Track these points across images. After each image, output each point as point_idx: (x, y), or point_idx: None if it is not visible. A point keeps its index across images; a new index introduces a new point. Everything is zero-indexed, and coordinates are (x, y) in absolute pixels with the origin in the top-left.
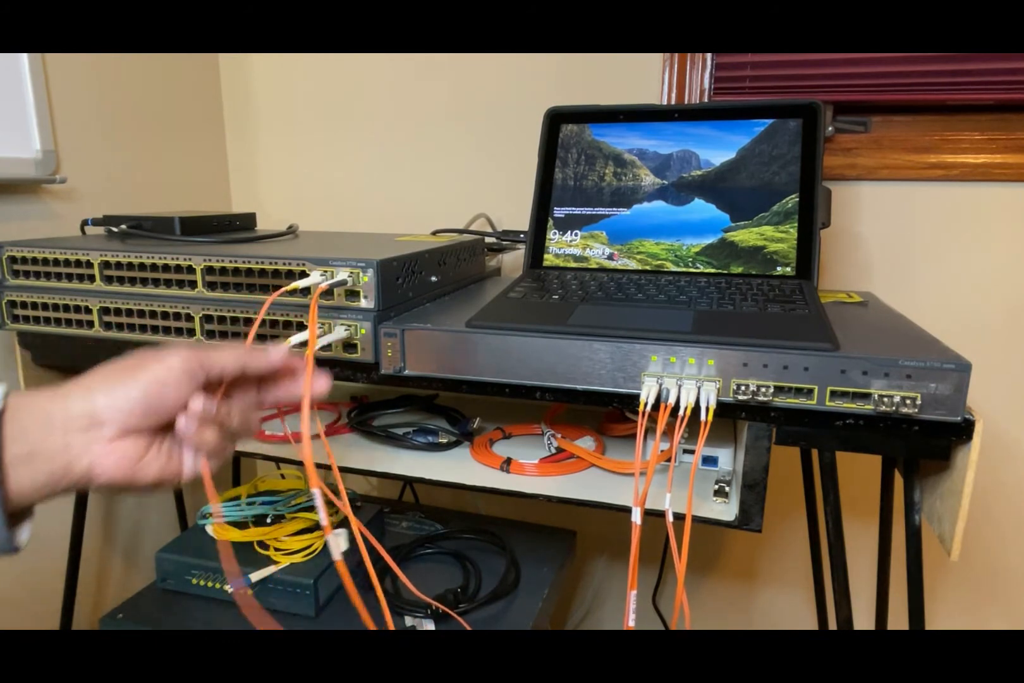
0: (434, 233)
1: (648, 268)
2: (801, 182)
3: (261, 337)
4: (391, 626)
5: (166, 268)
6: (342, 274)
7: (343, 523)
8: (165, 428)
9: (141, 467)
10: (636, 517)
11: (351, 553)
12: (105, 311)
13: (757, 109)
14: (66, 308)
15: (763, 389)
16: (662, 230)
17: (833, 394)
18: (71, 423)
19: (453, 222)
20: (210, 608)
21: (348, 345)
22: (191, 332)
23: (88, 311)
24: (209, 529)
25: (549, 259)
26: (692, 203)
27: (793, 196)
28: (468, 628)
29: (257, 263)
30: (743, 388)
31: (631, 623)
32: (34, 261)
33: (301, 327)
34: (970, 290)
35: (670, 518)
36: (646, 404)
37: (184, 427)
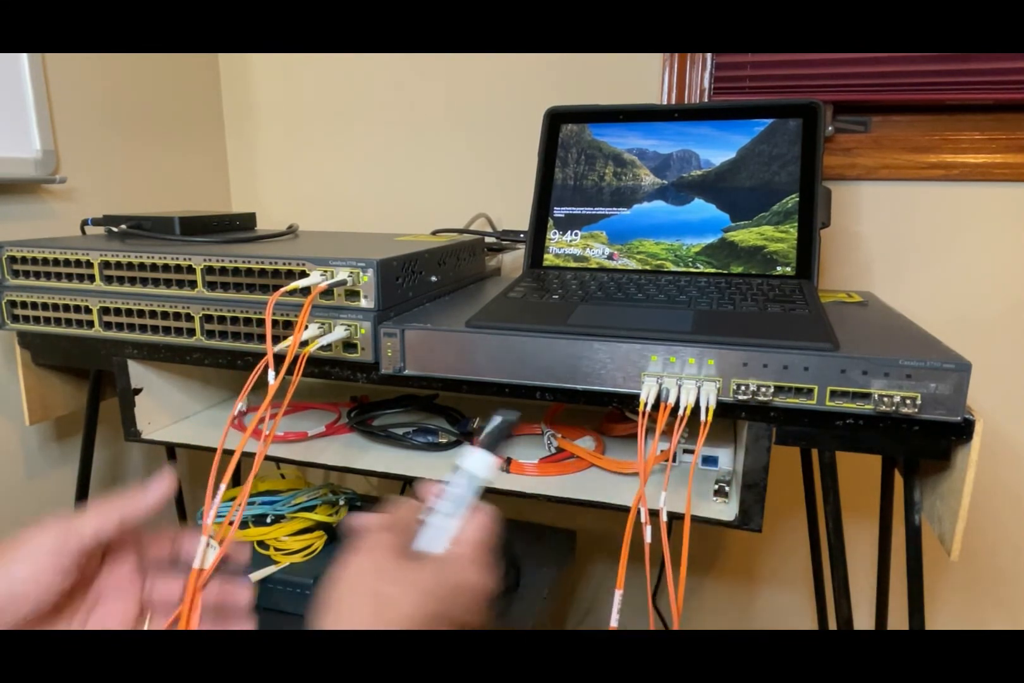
0: (434, 233)
1: (648, 268)
2: (801, 182)
3: (262, 337)
4: None
5: (166, 268)
6: (342, 274)
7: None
8: (43, 615)
9: None
10: (648, 532)
11: None
12: (105, 311)
13: (757, 109)
14: (66, 308)
15: (763, 389)
16: (662, 230)
17: (833, 394)
18: None
19: (453, 222)
20: None
21: (348, 345)
22: (191, 332)
23: (88, 311)
24: None
25: (549, 259)
26: (692, 203)
27: (793, 196)
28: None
29: (257, 263)
30: (743, 388)
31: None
32: (34, 261)
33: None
34: (970, 290)
35: (664, 517)
36: (646, 404)
37: None
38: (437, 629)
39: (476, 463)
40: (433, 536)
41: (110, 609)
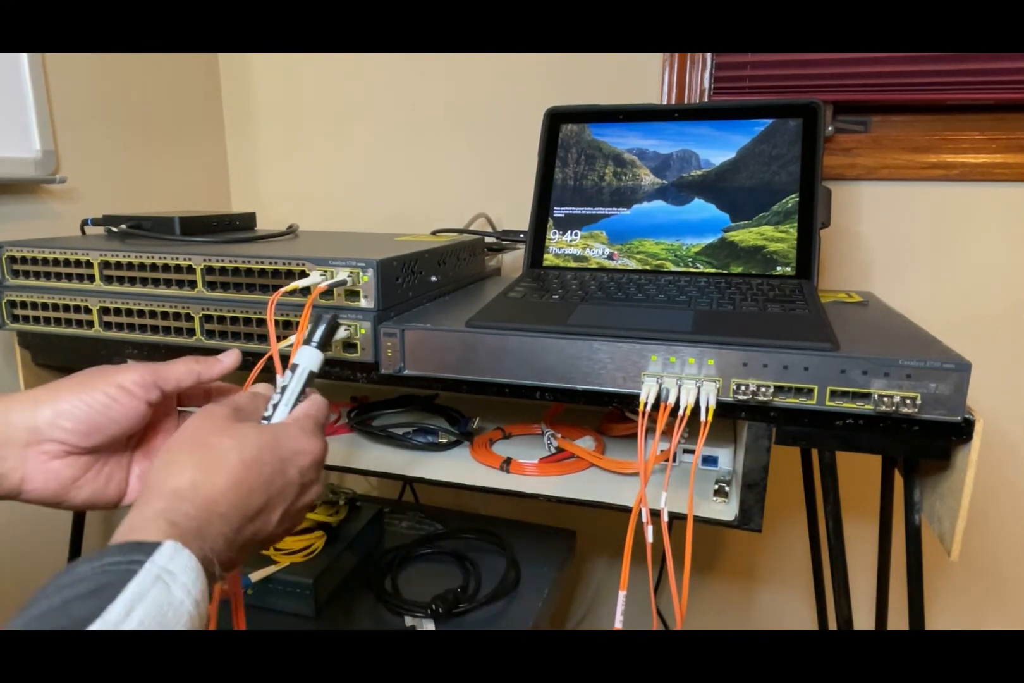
0: (434, 233)
1: (648, 268)
2: (801, 182)
3: (262, 337)
4: None
5: (166, 268)
6: (342, 274)
7: (345, 521)
8: (110, 449)
9: (73, 488)
10: (648, 532)
11: (354, 551)
12: (105, 311)
13: (757, 109)
14: (66, 308)
15: (763, 389)
16: (662, 230)
17: (833, 394)
18: (11, 437)
19: (453, 222)
20: None
21: (348, 345)
22: (191, 332)
23: (88, 311)
24: None
25: (549, 259)
26: (692, 203)
27: (793, 196)
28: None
29: (257, 263)
30: (743, 388)
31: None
32: (34, 261)
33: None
34: (970, 290)
35: (665, 518)
36: (646, 404)
37: None
38: (269, 480)
39: (308, 360)
40: (267, 421)
41: (156, 442)
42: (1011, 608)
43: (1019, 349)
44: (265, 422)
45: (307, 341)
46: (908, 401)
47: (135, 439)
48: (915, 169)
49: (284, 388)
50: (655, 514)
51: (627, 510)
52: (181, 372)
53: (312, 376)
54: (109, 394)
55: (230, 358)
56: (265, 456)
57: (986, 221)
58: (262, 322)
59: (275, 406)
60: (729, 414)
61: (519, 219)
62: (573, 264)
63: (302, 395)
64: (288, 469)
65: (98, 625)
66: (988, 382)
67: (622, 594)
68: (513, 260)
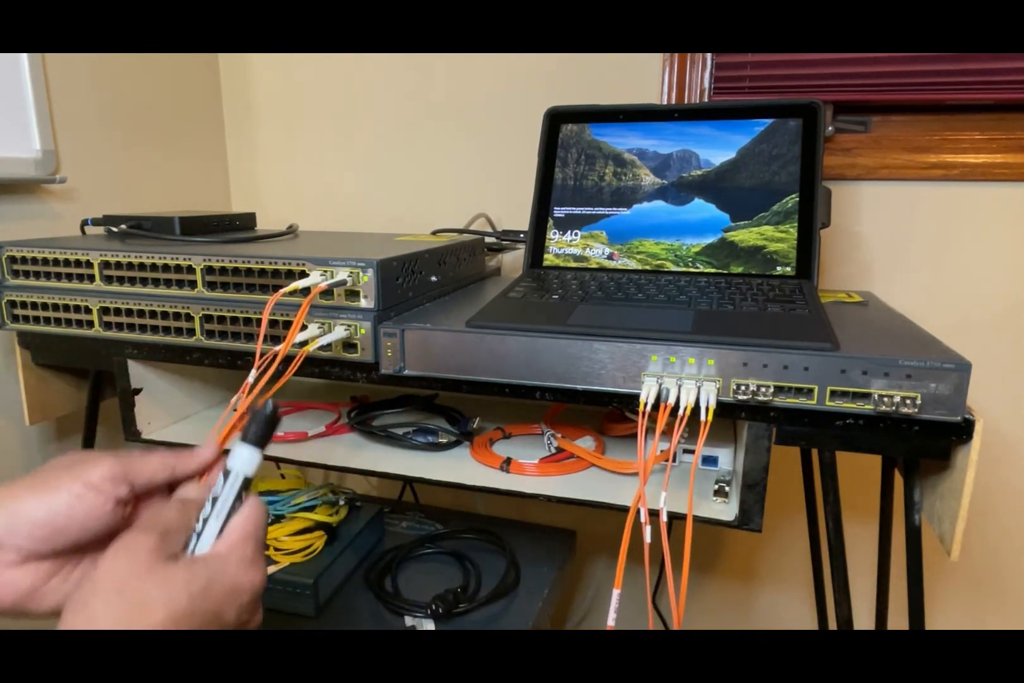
0: (434, 233)
1: (648, 268)
2: (801, 182)
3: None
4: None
5: (166, 268)
6: (342, 274)
7: (345, 521)
8: (78, 551)
9: (35, 598)
10: (647, 531)
11: (357, 548)
12: (105, 311)
13: (757, 109)
14: (66, 308)
15: (763, 389)
16: (662, 230)
17: (833, 394)
18: None
19: (453, 222)
20: None
21: (348, 345)
22: (191, 332)
23: (88, 311)
24: None
25: (549, 259)
26: (692, 203)
27: (793, 196)
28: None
29: (257, 263)
30: (743, 388)
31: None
32: (34, 261)
33: (302, 327)
34: (970, 290)
35: (664, 517)
36: (646, 404)
37: None
38: (203, 629)
39: (243, 463)
40: (198, 539)
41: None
42: (1011, 608)
43: (1019, 349)
44: (196, 537)
45: (243, 438)
46: (908, 401)
47: (112, 533)
48: (915, 169)
49: (215, 499)
50: (654, 514)
51: (627, 510)
52: (155, 466)
53: (248, 482)
54: (73, 492)
55: (208, 451)
56: (197, 605)
57: (986, 221)
58: (262, 322)
59: (205, 521)
60: (729, 414)
61: (519, 219)
62: (573, 264)
63: (238, 502)
64: (225, 612)
65: None
66: (988, 382)
67: (616, 593)
68: (513, 260)
